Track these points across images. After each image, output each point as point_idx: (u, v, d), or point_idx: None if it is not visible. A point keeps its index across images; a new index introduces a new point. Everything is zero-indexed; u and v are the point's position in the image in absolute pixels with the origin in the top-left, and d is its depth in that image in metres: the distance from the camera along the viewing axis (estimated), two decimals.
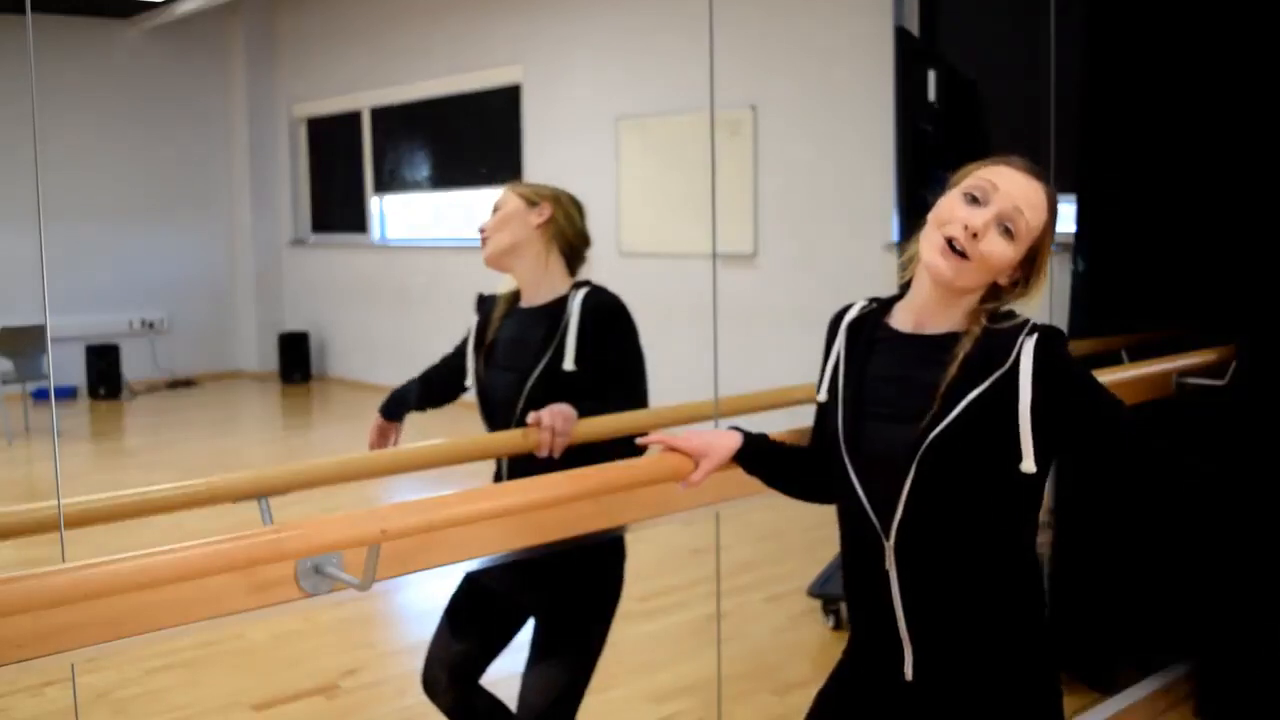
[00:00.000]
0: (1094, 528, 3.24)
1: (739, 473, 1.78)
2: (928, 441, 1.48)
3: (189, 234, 9.84)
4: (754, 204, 6.45)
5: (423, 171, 9.00)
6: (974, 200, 1.50)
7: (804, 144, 6.15)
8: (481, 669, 2.38)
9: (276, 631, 3.87)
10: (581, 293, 2.24)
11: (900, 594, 1.55)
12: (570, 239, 2.31)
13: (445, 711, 2.38)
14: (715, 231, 6.45)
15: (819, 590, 3.89)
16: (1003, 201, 1.49)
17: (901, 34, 4.16)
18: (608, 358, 2.20)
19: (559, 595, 2.24)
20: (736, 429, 1.75)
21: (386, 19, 8.83)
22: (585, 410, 2.14)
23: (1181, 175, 3.19)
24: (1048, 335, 1.49)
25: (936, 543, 1.53)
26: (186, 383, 9.57)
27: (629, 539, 2.29)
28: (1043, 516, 4.22)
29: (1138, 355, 3.06)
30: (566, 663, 2.25)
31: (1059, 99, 3.25)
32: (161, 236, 9.62)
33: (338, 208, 9.86)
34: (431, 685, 2.38)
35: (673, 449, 1.73)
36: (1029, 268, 1.54)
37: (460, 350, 2.45)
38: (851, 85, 5.85)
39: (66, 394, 8.86)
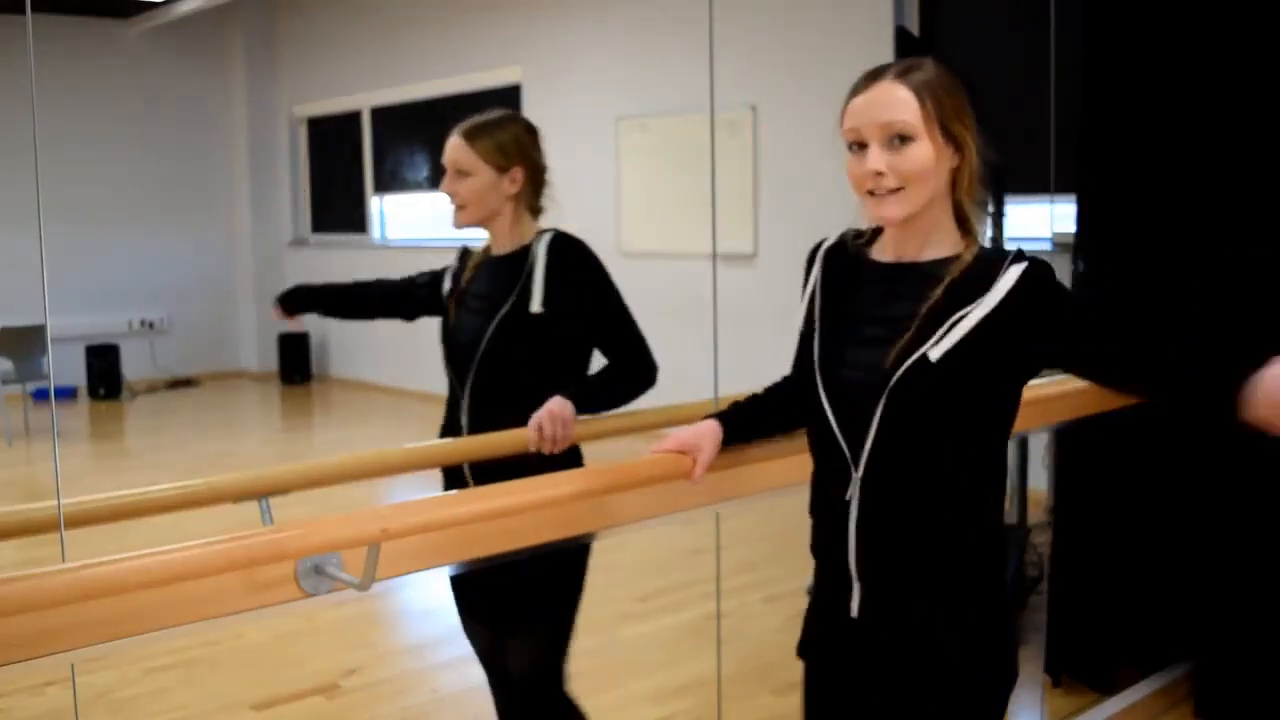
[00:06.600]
0: (1094, 528, 3.24)
1: (739, 472, 1.78)
2: (904, 366, 1.47)
3: (189, 234, 9.84)
4: (754, 204, 6.45)
5: (423, 171, 9.00)
6: (861, 147, 1.52)
7: (804, 144, 6.15)
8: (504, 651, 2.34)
9: (276, 631, 3.87)
10: (547, 236, 2.24)
11: (856, 526, 1.54)
12: (537, 189, 2.31)
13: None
14: (715, 231, 6.46)
15: None
16: (869, 129, 1.51)
17: (901, 34, 4.17)
18: (582, 300, 2.20)
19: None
20: (711, 417, 1.74)
21: (386, 19, 8.83)
22: (559, 355, 2.17)
23: (1182, 175, 3.18)
24: (1036, 263, 1.49)
25: (901, 474, 1.51)
26: (186, 383, 9.58)
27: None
28: (1043, 516, 4.23)
29: None
30: (544, 618, 2.23)
31: (1059, 99, 3.25)
32: (161, 236, 9.62)
33: (338, 208, 9.86)
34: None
35: (670, 451, 1.73)
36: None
37: (406, 285, 2.47)
38: (851, 85, 5.84)
39: (66, 394, 8.87)
